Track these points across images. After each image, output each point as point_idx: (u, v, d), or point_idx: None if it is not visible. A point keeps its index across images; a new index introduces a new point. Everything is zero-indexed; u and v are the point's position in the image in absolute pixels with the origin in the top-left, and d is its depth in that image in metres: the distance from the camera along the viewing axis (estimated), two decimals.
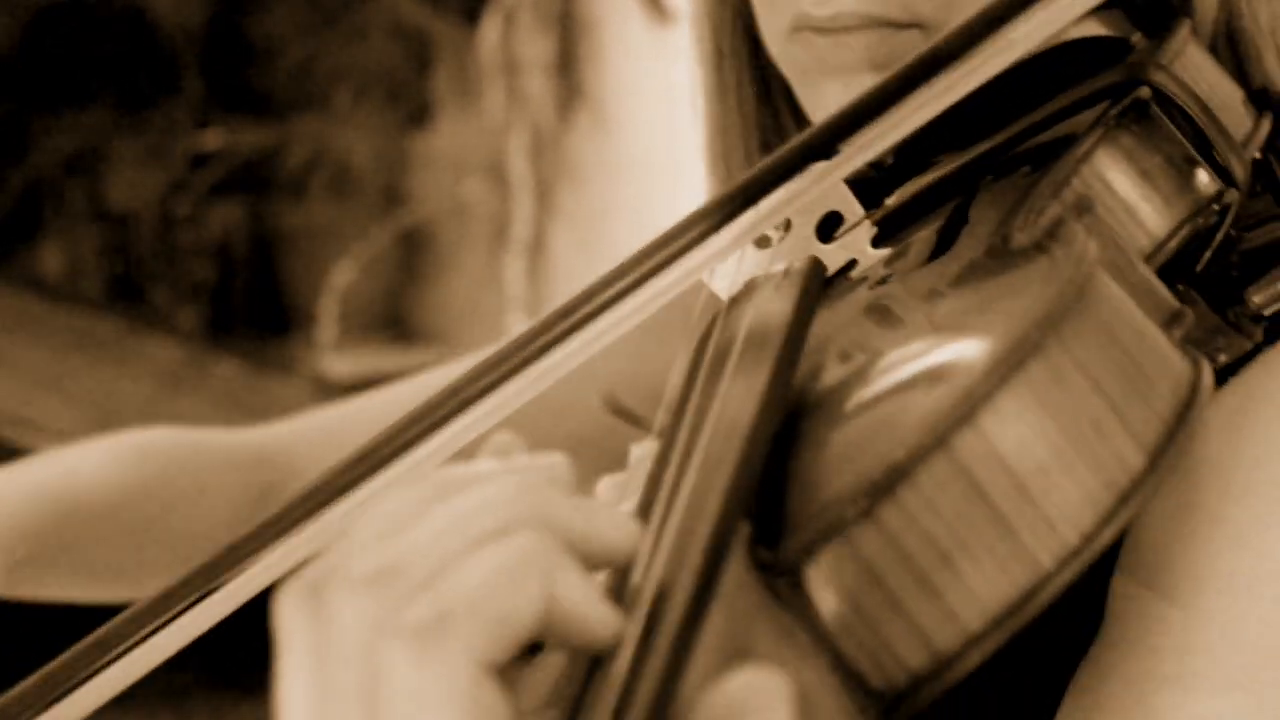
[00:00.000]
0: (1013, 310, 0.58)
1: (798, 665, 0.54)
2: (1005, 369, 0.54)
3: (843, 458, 0.58)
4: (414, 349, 3.40)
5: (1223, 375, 0.67)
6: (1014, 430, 0.54)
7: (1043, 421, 0.55)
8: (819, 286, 0.69)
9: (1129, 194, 0.68)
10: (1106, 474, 0.55)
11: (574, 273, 3.06)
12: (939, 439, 0.54)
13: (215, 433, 1.00)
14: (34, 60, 3.26)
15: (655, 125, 2.82)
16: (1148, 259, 0.67)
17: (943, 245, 0.69)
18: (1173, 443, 0.56)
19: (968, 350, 0.58)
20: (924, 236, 0.70)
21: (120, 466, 0.96)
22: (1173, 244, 0.68)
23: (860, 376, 0.61)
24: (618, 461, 0.83)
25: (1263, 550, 0.63)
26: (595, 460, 0.76)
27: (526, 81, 3.05)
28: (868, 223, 0.72)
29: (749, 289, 0.70)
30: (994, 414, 0.54)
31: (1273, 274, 0.69)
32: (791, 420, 0.61)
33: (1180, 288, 0.67)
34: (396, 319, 3.44)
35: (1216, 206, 0.68)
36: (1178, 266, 0.68)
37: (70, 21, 3.27)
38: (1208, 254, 0.68)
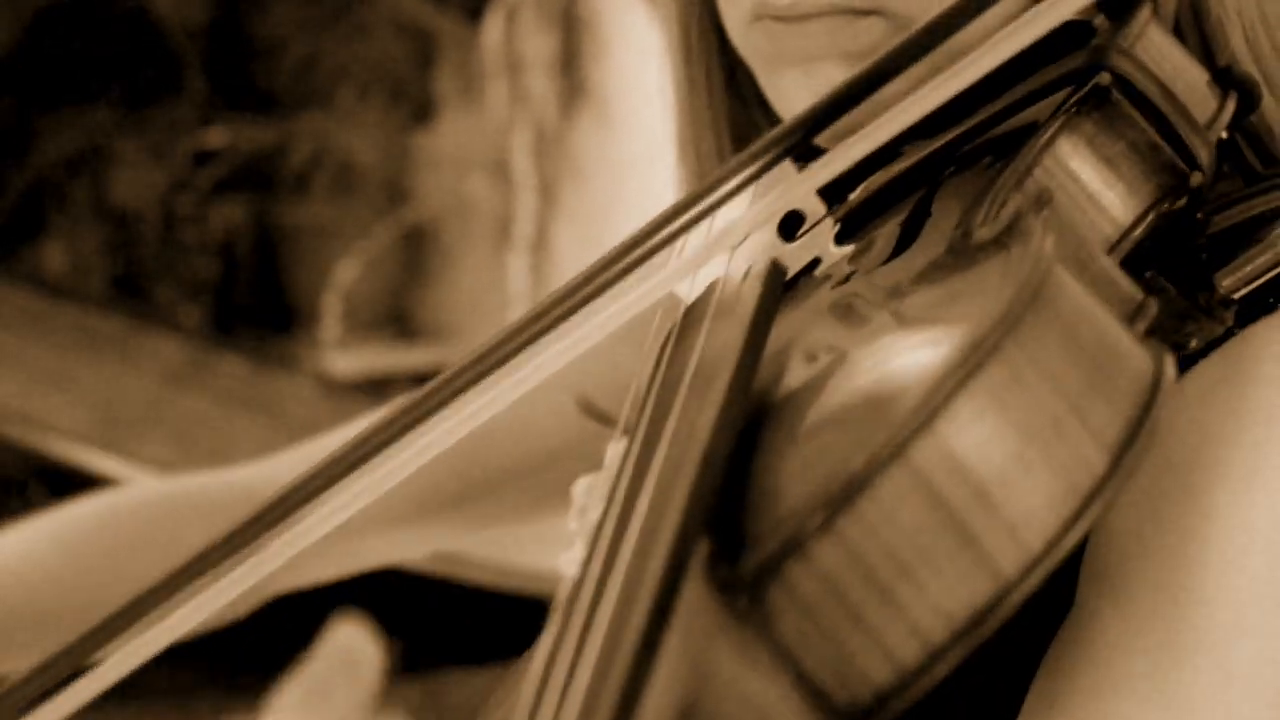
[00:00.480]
0: (970, 312, 0.57)
1: (760, 684, 0.53)
2: (962, 374, 0.53)
3: (801, 469, 0.57)
4: (417, 346, 3.40)
5: (1195, 359, 0.66)
6: (972, 436, 0.53)
7: (1001, 426, 0.54)
8: (778, 293, 0.68)
9: (1092, 182, 0.67)
10: (1068, 477, 0.54)
11: (577, 270, 3.05)
12: (896, 449, 0.53)
13: (200, 477, 0.98)
14: (36, 59, 3.26)
15: (658, 122, 2.81)
16: (1113, 247, 0.66)
17: (906, 240, 0.68)
18: (1135, 441, 0.55)
19: (925, 354, 0.57)
20: (887, 231, 0.70)
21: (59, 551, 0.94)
22: (1138, 231, 0.67)
23: (820, 382, 0.61)
24: (596, 464, 0.83)
25: (1224, 562, 0.63)
26: (572, 468, 0.75)
27: (529, 79, 3.04)
28: (830, 220, 0.71)
29: (709, 292, 0.69)
30: (951, 421, 0.53)
31: (1241, 257, 0.68)
32: (752, 427, 0.60)
33: (1148, 274, 0.67)
34: (400, 316, 3.44)
35: (1182, 191, 0.68)
36: (1145, 252, 0.67)
37: (72, 20, 3.26)
38: (1175, 239, 0.68)
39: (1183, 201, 0.68)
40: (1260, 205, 0.70)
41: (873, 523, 0.53)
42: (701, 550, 0.54)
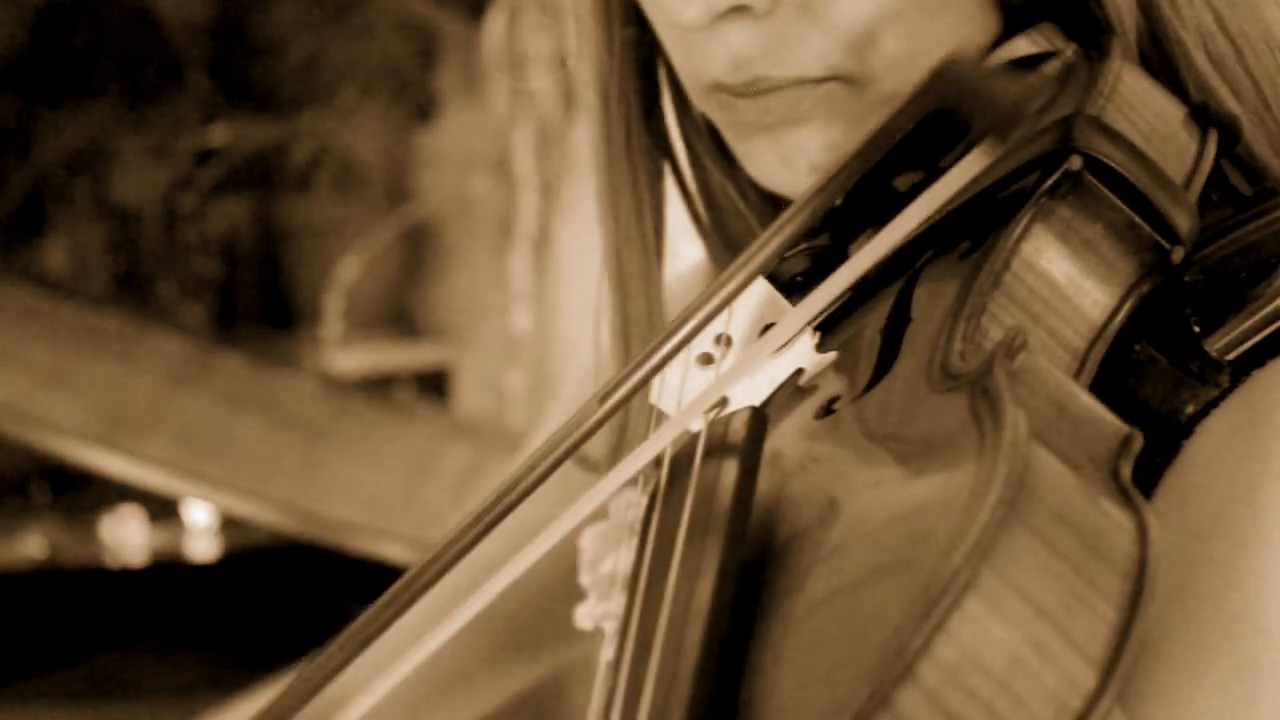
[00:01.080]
0: (950, 514, 0.56)
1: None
2: (940, 615, 0.52)
3: (802, 698, 0.56)
4: (419, 344, 3.40)
5: (1192, 422, 0.65)
6: (956, 680, 0.52)
7: (985, 663, 0.52)
8: (759, 445, 0.66)
9: (1069, 271, 0.65)
10: (1060, 700, 0.53)
11: (578, 268, 3.05)
12: (880, 701, 0.51)
13: None
14: (39, 57, 3.26)
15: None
16: (1099, 334, 0.65)
17: (887, 353, 0.67)
18: (1123, 651, 0.53)
19: (913, 555, 0.56)
20: (869, 338, 0.68)
21: None
22: (1120, 315, 0.65)
23: (812, 559, 0.59)
24: (600, 513, 0.82)
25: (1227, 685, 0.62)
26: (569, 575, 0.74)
27: (531, 77, 3.04)
28: (809, 330, 0.70)
29: (694, 438, 0.67)
30: (931, 665, 0.52)
31: (1230, 323, 0.66)
32: (749, 593, 0.59)
33: (1138, 347, 0.65)
34: (401, 314, 3.44)
35: (1164, 267, 0.66)
36: (1132, 325, 0.66)
37: (75, 18, 3.26)
38: (1162, 308, 0.66)
39: (1164, 277, 0.66)
40: (1252, 234, 0.69)
41: None
42: None
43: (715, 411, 0.67)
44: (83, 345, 2.82)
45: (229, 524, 2.99)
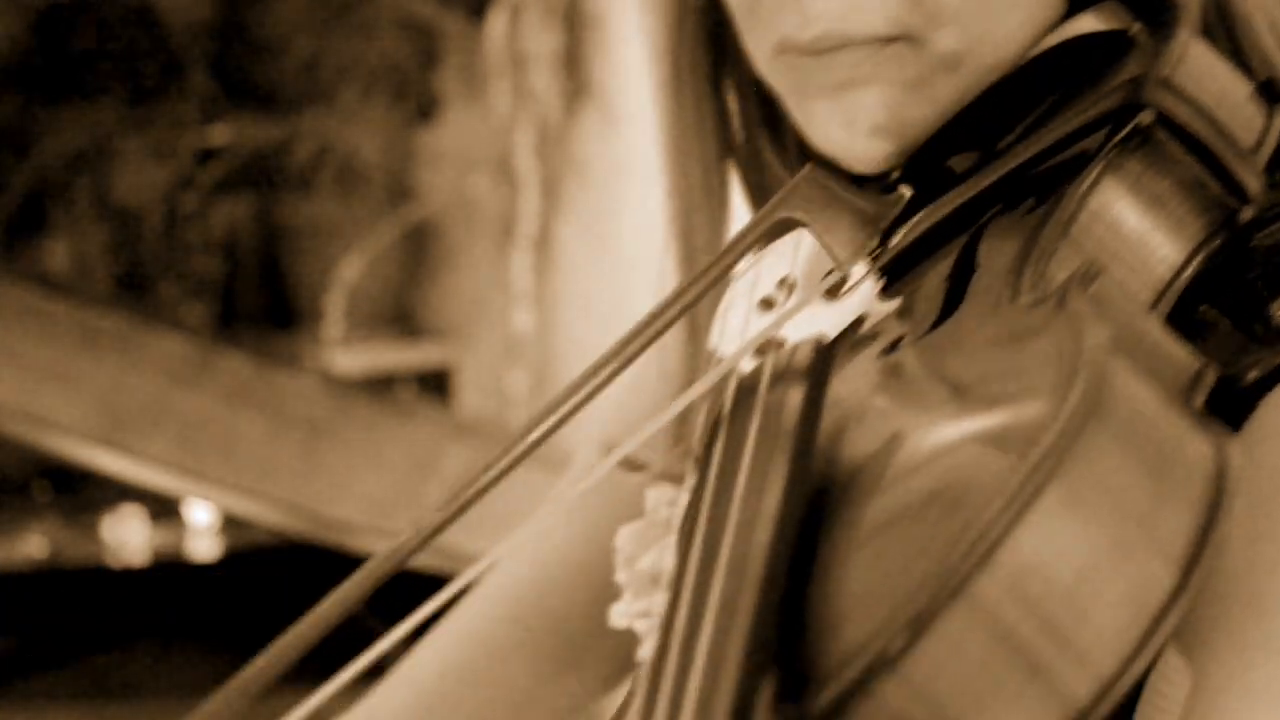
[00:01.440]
0: (1024, 420, 0.55)
1: None
2: (1021, 502, 0.52)
3: (861, 604, 0.55)
4: (420, 344, 3.40)
5: (1257, 388, 0.64)
6: (1035, 565, 0.52)
7: (1065, 552, 0.52)
8: (827, 367, 0.66)
9: (1138, 227, 0.65)
10: (1137, 597, 0.53)
11: (580, 269, 3.05)
12: (959, 585, 0.51)
13: None
14: (40, 56, 3.25)
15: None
16: (1163, 291, 0.65)
17: (953, 298, 0.66)
18: (1204, 549, 0.53)
19: (982, 467, 0.55)
20: (933, 286, 0.68)
21: None
22: (1188, 272, 0.65)
23: (877, 472, 0.59)
24: (635, 511, 0.81)
25: None
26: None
27: (533, 77, 3.04)
28: (874, 275, 0.69)
29: (757, 371, 0.67)
30: (1014, 552, 0.52)
31: None
32: (811, 523, 0.58)
33: (1202, 309, 0.65)
34: (403, 314, 3.44)
35: (1232, 226, 0.66)
36: (1198, 287, 0.65)
37: (76, 18, 3.26)
38: (1227, 270, 0.66)
39: (1232, 237, 0.66)
40: None
41: (939, 660, 0.52)
42: (766, 694, 0.52)
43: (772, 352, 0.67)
44: (84, 344, 2.81)
45: (230, 523, 2.99)
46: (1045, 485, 0.52)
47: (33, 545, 3.02)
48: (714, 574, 0.57)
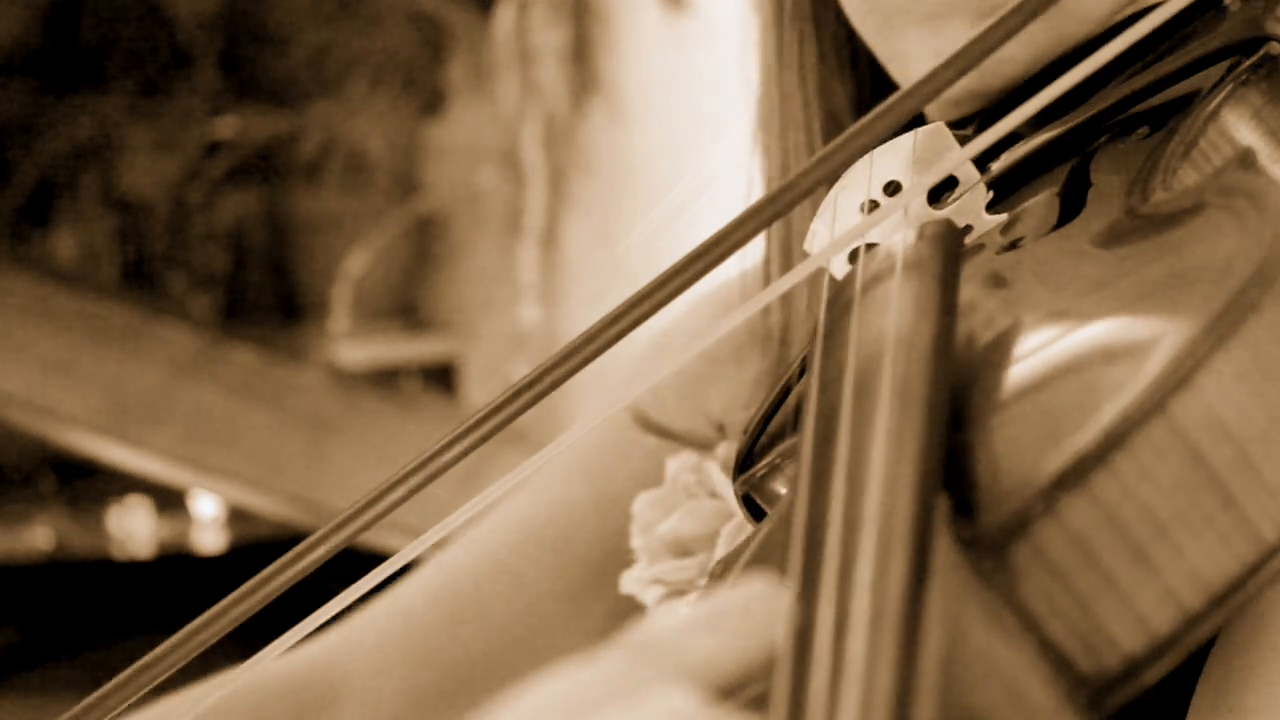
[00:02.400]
0: (1212, 267, 0.54)
1: (1005, 650, 0.51)
2: (1223, 328, 0.51)
3: (1046, 424, 0.54)
4: (426, 337, 3.40)
5: None
6: (1233, 394, 0.51)
7: (1262, 384, 0.51)
8: (959, 250, 0.63)
9: (1260, 156, 0.63)
10: None
11: (587, 262, 3.05)
12: (1157, 402, 0.50)
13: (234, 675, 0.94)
14: (49, 47, 3.25)
15: (670, 115, 2.81)
16: None
17: (1069, 208, 0.65)
18: None
19: (1170, 310, 0.54)
20: (1042, 201, 0.67)
21: None
22: None
23: (1039, 338, 0.58)
24: (653, 477, 0.81)
25: None
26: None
27: (541, 70, 3.04)
28: (982, 186, 0.68)
29: (875, 270, 0.65)
30: (1213, 376, 0.51)
31: None
32: (957, 389, 0.57)
33: None
34: (410, 307, 3.44)
35: None
36: None
37: (85, 9, 3.26)
38: None
39: None
40: None
41: (1130, 480, 0.50)
42: (942, 506, 0.51)
43: (857, 255, 0.66)
44: (90, 336, 2.81)
45: (235, 516, 2.99)
46: (1246, 318, 0.51)
47: (38, 536, 3.03)
48: (876, 404, 0.55)
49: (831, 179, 0.65)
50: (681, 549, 0.77)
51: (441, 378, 3.35)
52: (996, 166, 0.68)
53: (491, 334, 3.26)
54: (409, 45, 3.31)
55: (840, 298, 0.64)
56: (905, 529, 0.49)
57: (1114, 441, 0.51)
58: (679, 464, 0.78)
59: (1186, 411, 0.51)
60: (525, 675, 0.47)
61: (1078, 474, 0.51)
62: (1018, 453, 0.54)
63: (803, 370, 0.67)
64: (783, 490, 0.66)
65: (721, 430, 0.80)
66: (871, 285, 0.62)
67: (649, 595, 0.78)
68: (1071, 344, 0.56)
